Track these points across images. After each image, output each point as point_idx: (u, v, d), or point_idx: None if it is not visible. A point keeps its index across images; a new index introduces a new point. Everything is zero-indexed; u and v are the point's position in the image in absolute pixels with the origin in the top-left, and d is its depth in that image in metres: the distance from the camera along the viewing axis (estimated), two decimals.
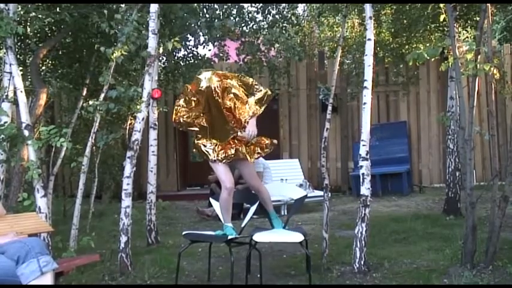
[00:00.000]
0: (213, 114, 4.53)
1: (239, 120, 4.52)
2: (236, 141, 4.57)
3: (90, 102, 5.59)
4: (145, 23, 5.47)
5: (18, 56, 6.08)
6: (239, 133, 4.55)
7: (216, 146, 4.55)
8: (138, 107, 5.19)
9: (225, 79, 4.53)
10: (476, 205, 4.52)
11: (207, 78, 4.48)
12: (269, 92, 4.66)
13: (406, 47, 9.35)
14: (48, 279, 2.99)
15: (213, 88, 4.45)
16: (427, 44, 8.51)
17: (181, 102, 4.66)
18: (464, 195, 4.75)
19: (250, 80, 4.69)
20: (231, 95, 4.48)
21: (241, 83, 4.58)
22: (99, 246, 5.50)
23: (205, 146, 4.58)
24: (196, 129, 4.67)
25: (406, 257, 5.10)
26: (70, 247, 5.30)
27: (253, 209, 4.90)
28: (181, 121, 4.67)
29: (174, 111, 4.69)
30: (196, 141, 4.68)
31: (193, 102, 4.58)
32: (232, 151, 4.52)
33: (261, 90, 4.60)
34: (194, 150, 4.75)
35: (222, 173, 4.54)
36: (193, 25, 7.26)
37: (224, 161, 4.52)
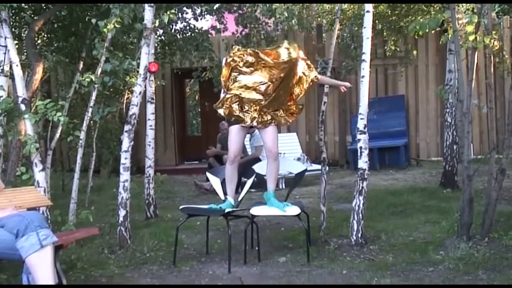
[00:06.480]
0: (280, 85, 4.51)
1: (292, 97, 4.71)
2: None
3: (85, 76, 5.54)
4: None
5: (13, 29, 6.00)
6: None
7: (254, 111, 4.51)
8: (133, 79, 5.14)
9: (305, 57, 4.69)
10: (473, 178, 4.54)
11: (292, 53, 4.50)
12: (316, 78, 4.73)
13: (405, 20, 9.25)
14: (48, 253, 3.00)
15: (295, 61, 4.50)
16: (427, 16, 8.42)
17: (236, 50, 4.57)
18: (462, 169, 4.77)
19: (308, 62, 4.77)
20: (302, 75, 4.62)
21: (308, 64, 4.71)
22: (98, 220, 5.53)
23: (240, 110, 4.50)
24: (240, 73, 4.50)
25: (403, 230, 5.15)
26: (69, 221, 5.33)
27: (249, 182, 4.92)
28: (231, 61, 4.49)
29: (232, 53, 4.57)
30: (230, 104, 4.49)
31: (250, 59, 4.47)
32: (269, 117, 4.56)
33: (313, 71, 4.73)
34: (222, 111, 4.53)
35: (231, 141, 4.59)
36: None
37: (260, 126, 4.56)
